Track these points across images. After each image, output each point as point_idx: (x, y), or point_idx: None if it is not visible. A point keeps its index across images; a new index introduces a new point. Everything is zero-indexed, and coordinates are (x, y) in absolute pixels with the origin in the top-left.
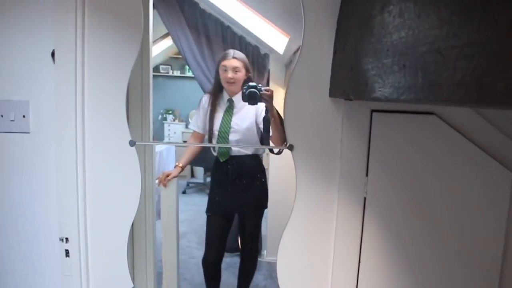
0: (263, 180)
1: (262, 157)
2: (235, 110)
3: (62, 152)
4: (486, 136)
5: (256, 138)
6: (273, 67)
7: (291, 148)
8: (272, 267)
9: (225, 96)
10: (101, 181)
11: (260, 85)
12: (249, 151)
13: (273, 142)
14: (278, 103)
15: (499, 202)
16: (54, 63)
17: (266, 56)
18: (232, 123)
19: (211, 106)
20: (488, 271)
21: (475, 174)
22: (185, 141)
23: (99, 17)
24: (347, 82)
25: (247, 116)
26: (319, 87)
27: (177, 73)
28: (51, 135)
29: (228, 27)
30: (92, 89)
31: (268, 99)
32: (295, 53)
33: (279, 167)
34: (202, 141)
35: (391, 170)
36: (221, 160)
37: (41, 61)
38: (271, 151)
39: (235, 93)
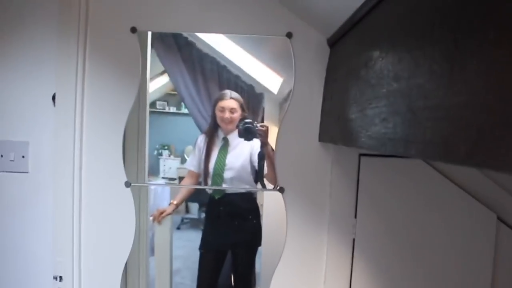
0: (257, 218)
1: (256, 195)
2: (230, 148)
3: (59, 192)
4: (471, 179)
5: (250, 176)
6: (268, 106)
7: (281, 190)
8: None
9: (220, 134)
10: (97, 221)
11: (255, 122)
12: (243, 189)
13: (267, 179)
14: (273, 141)
15: (485, 242)
16: (54, 106)
17: (261, 95)
18: (227, 161)
19: (207, 145)
20: None
21: (461, 216)
22: (180, 177)
23: (99, 63)
24: (334, 130)
25: (241, 154)
26: (309, 131)
27: (173, 109)
28: (49, 176)
29: (224, 66)
30: (90, 131)
31: (263, 134)
32: (288, 93)
33: (273, 204)
34: (197, 179)
35: (379, 212)
36: (216, 198)
37: (41, 103)
38: (264, 186)
39: (230, 132)
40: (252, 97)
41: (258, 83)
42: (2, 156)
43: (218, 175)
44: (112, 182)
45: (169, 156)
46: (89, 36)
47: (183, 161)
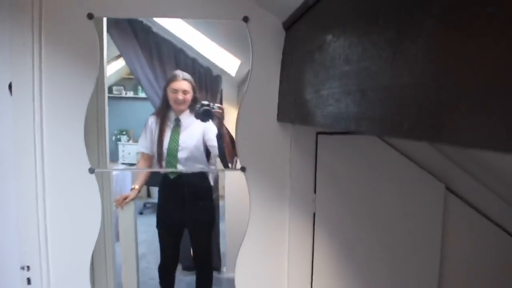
0: (209, 197)
1: (208, 175)
2: (182, 128)
3: (22, 182)
4: (421, 152)
5: (203, 155)
6: (226, 88)
7: (243, 169)
8: (232, 283)
9: (172, 115)
10: (62, 209)
11: (211, 103)
12: (206, 170)
13: (226, 157)
14: (232, 122)
15: (434, 210)
16: (11, 95)
17: (218, 77)
18: (180, 141)
19: (159, 126)
20: (427, 272)
21: (411, 186)
22: None
23: (56, 50)
24: (292, 110)
25: (194, 134)
26: (267, 112)
27: (130, 94)
28: (10, 167)
29: (181, 49)
30: (50, 119)
31: (219, 116)
32: (246, 75)
33: (236, 185)
34: (151, 161)
35: (337, 186)
36: (171, 177)
37: None
38: (226, 166)
39: (182, 112)
40: (210, 79)
41: (216, 65)
42: None
43: (172, 156)
44: (76, 169)
45: (128, 141)
46: (44, 23)
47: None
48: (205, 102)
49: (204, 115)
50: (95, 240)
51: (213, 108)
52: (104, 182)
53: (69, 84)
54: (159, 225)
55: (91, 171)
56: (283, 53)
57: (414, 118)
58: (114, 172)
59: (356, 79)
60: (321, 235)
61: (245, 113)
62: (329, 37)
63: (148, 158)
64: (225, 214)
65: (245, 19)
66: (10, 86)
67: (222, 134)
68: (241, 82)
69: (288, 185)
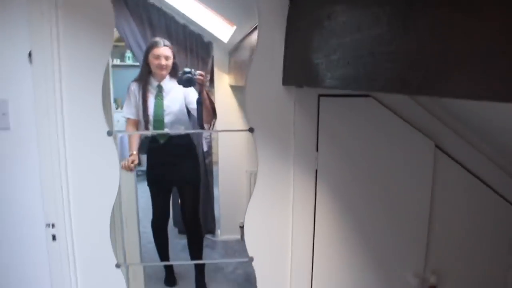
0: (194, 156)
1: (191, 136)
2: (164, 94)
3: (44, 145)
4: (413, 113)
5: (186, 117)
6: (217, 54)
7: (251, 130)
8: (227, 245)
9: (153, 82)
10: (82, 169)
11: (193, 70)
12: (181, 131)
13: (203, 120)
14: (223, 87)
15: (425, 166)
16: (30, 63)
17: (209, 44)
18: (164, 107)
19: (142, 92)
20: (418, 225)
21: (404, 144)
22: None
23: (72, 17)
24: (299, 74)
25: (177, 99)
26: (273, 77)
27: (117, 61)
28: (31, 130)
29: (171, 16)
30: (69, 85)
31: (201, 82)
32: (240, 41)
33: (228, 151)
34: (138, 126)
35: (337, 145)
36: (160, 141)
37: (17, 61)
38: (201, 128)
39: (163, 78)
40: (201, 46)
41: (207, 31)
42: None
43: (159, 121)
44: (94, 132)
45: (117, 109)
46: None
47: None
48: (187, 69)
49: (187, 82)
50: (114, 198)
51: (195, 75)
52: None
53: (87, 51)
54: (150, 184)
55: (110, 133)
56: (288, 20)
57: (422, 77)
58: (119, 134)
59: (367, 45)
60: (322, 190)
61: (252, 78)
62: (338, 8)
63: (134, 123)
64: (219, 179)
65: None
66: (29, 55)
67: (202, 99)
68: (233, 49)
69: (292, 144)
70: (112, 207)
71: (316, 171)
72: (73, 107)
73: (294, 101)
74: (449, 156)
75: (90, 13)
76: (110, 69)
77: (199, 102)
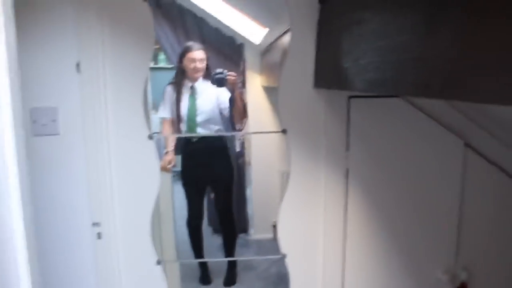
0: (226, 156)
1: (225, 137)
2: (197, 94)
3: (91, 149)
4: (442, 112)
5: (218, 117)
6: (249, 56)
7: (284, 132)
8: (260, 244)
9: (187, 83)
10: (126, 172)
11: (225, 71)
12: (215, 133)
13: (234, 119)
14: (255, 88)
15: (454, 164)
16: (78, 72)
17: (241, 45)
18: (197, 106)
19: (177, 94)
20: (448, 225)
21: (434, 143)
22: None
23: (116, 29)
24: (330, 77)
25: (209, 99)
26: (305, 79)
27: (151, 64)
28: (79, 136)
29: (203, 19)
30: (113, 92)
31: (232, 82)
32: (272, 43)
33: (261, 152)
34: (172, 125)
35: (367, 145)
36: (193, 140)
37: (66, 71)
38: (233, 128)
39: (197, 80)
40: (233, 48)
41: (239, 34)
42: (35, 121)
43: (191, 120)
44: (137, 136)
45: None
46: (105, 6)
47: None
48: (219, 70)
49: (219, 82)
50: (155, 198)
51: (226, 75)
52: None
53: (129, 60)
54: (184, 184)
55: (150, 137)
56: (319, 24)
57: (443, 82)
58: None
59: (394, 51)
60: (353, 189)
61: (285, 81)
62: (367, 15)
63: (169, 123)
64: (252, 179)
65: None
66: (77, 65)
67: (233, 98)
68: (265, 50)
69: (323, 144)
70: (153, 206)
71: (347, 170)
72: (118, 112)
73: (325, 102)
74: (479, 153)
75: (132, 25)
76: (148, 73)
77: (231, 101)
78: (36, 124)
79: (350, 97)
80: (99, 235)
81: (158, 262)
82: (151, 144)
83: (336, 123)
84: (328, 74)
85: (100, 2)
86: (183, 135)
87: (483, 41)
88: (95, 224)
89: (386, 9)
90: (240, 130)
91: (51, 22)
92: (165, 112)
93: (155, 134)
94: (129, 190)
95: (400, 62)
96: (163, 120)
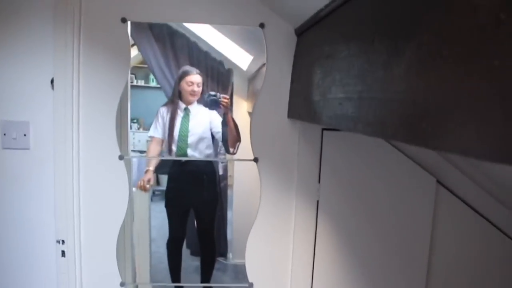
0: (213, 181)
1: (215, 163)
2: (191, 116)
3: (60, 165)
4: (414, 148)
5: (210, 140)
6: (237, 81)
7: (256, 160)
8: (238, 269)
9: (182, 105)
10: (94, 190)
11: (218, 93)
12: (203, 157)
13: (228, 143)
14: (241, 113)
15: (426, 201)
16: (52, 89)
17: (230, 71)
18: (189, 128)
19: (171, 115)
20: (418, 259)
21: (405, 179)
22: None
23: (93, 49)
24: (302, 109)
25: (202, 122)
26: (279, 109)
27: (141, 82)
28: (49, 151)
29: (194, 43)
30: (86, 110)
31: (225, 105)
32: (257, 70)
33: (243, 176)
34: (162, 145)
35: (338, 177)
36: (182, 162)
37: (40, 87)
38: (227, 151)
39: (191, 103)
40: (221, 72)
41: (228, 59)
42: (5, 134)
43: (183, 141)
44: (107, 156)
45: (138, 129)
46: (83, 25)
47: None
48: (212, 93)
49: (212, 104)
50: (122, 219)
51: (219, 98)
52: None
53: (104, 80)
54: (168, 205)
55: (121, 157)
56: (295, 56)
57: (397, 124)
58: (135, 159)
59: (356, 88)
60: (323, 220)
61: (259, 109)
62: (335, 49)
63: (159, 142)
64: (233, 202)
65: (262, 25)
66: (52, 81)
67: (226, 121)
68: (252, 76)
69: (295, 175)
70: (120, 227)
71: (318, 202)
72: (89, 131)
73: (298, 133)
74: (450, 191)
75: (109, 45)
76: (129, 91)
77: (224, 124)
78: (6, 137)
79: (324, 129)
80: (63, 253)
81: (122, 284)
82: (122, 165)
83: (309, 154)
84: (300, 106)
85: (79, 20)
86: (166, 157)
87: (439, 85)
88: (60, 242)
89: (350, 45)
90: (233, 153)
91: (30, 36)
92: (156, 131)
93: (134, 153)
94: (96, 209)
95: (361, 100)
96: (151, 138)
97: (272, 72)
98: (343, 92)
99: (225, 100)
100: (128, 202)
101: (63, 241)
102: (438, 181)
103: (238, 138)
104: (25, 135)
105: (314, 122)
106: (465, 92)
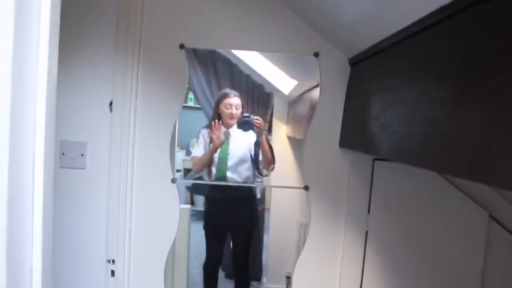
0: (253, 205)
1: (255, 189)
2: (231, 139)
3: (114, 186)
4: (467, 182)
5: (250, 163)
6: (277, 105)
7: (306, 188)
8: None
9: (222, 129)
10: (145, 212)
11: (252, 115)
12: (242, 179)
13: (261, 165)
14: (280, 136)
15: (478, 236)
16: (111, 111)
17: (270, 94)
18: (229, 150)
19: (211, 137)
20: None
21: (457, 213)
22: (186, 169)
23: (151, 74)
24: (356, 139)
25: (242, 145)
26: (331, 138)
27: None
28: (104, 172)
29: (236, 65)
30: (142, 134)
31: (258, 126)
32: (301, 95)
33: (281, 200)
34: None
35: (388, 208)
36: (221, 185)
37: (99, 109)
38: (259, 173)
39: (231, 126)
40: (262, 95)
41: (269, 82)
42: (63, 154)
43: (222, 163)
44: (160, 178)
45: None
46: (142, 50)
47: (188, 153)
48: (246, 114)
49: (244, 125)
50: (172, 241)
51: (252, 119)
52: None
53: (160, 103)
54: (206, 227)
55: (173, 181)
56: (348, 86)
57: (469, 163)
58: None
59: (421, 124)
60: (371, 251)
61: (311, 138)
62: (397, 83)
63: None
64: (269, 226)
65: (316, 54)
66: (110, 104)
67: (259, 143)
68: (293, 101)
69: (345, 204)
70: (169, 248)
71: (367, 232)
72: (144, 153)
73: (349, 162)
74: (503, 226)
75: (166, 70)
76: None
77: (257, 145)
78: (64, 156)
79: (375, 159)
80: (112, 273)
81: None
82: (174, 188)
83: (359, 184)
84: (354, 136)
85: (139, 45)
86: (205, 182)
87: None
88: (110, 261)
89: (416, 80)
90: (266, 175)
91: (90, 60)
92: (197, 152)
93: (178, 173)
94: (147, 230)
95: (427, 136)
96: (193, 157)
97: (325, 101)
98: (407, 126)
99: (258, 122)
100: (178, 224)
101: (113, 261)
102: (491, 216)
103: (272, 161)
104: (82, 155)
105: (370, 153)
106: None
